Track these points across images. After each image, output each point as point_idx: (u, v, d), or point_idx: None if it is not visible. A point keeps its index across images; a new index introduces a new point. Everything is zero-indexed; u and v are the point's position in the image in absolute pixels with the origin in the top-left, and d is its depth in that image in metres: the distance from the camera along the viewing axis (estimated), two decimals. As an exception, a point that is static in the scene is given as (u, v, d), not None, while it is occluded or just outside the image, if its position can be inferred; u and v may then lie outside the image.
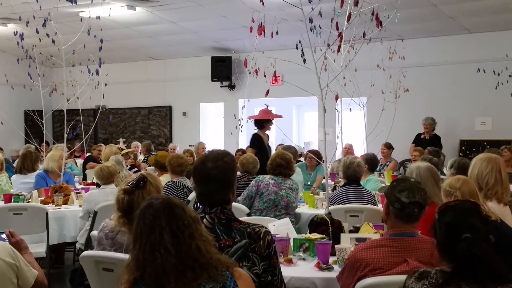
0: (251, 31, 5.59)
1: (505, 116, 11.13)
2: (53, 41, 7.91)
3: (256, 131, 9.12)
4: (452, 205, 2.59)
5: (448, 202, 2.71)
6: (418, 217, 3.25)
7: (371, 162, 7.89)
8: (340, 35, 5.07)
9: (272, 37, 5.70)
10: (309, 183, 8.88)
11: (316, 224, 4.38)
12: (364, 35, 5.66)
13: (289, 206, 6.17)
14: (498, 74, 10.14)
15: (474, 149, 11.13)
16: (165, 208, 2.38)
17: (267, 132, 9.25)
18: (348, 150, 10.68)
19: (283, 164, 6.28)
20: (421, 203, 3.22)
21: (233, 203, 5.56)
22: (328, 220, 4.34)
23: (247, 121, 10.97)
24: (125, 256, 3.43)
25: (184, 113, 15.37)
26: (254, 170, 7.23)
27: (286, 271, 3.48)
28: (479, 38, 11.50)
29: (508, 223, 3.99)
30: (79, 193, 6.97)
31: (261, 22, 5.48)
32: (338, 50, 5.34)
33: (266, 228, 2.92)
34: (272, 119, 9.21)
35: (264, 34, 5.47)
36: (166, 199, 2.43)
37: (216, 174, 2.94)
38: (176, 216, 2.36)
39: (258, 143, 8.88)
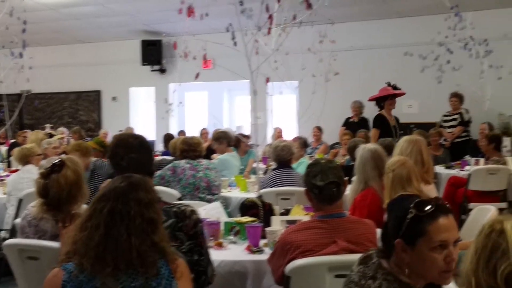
0: (180, 12, 5.51)
1: (431, 99, 11.40)
2: (-28, 22, 7.60)
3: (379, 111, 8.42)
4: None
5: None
6: (340, 195, 3.29)
7: (302, 146, 7.97)
8: (270, 17, 5.06)
9: (201, 19, 5.63)
10: (241, 167, 8.86)
11: (247, 207, 4.37)
12: (294, 17, 5.67)
13: (211, 185, 6.07)
14: (425, 58, 10.35)
15: (401, 132, 11.36)
16: (126, 188, 2.30)
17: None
18: (279, 133, 10.73)
19: (185, 148, 6.18)
20: (337, 181, 3.25)
21: (164, 188, 5.52)
22: (259, 203, 4.34)
23: (177, 105, 10.87)
24: (50, 243, 3.35)
25: (113, 98, 15.07)
26: None
27: (217, 255, 3.46)
28: (407, 23, 11.71)
29: None
30: (2, 180, 6.76)
31: (191, 4, 5.40)
32: (269, 33, 5.33)
33: (191, 207, 2.89)
34: (390, 96, 8.31)
35: (194, 16, 5.40)
36: (137, 183, 2.34)
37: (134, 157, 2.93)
38: (127, 201, 2.26)
39: (380, 123, 8.19)
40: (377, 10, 11.44)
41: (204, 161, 6.27)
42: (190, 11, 5.30)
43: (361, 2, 11.00)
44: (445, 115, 10.65)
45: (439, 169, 8.78)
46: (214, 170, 6.26)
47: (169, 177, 6.02)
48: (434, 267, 2.17)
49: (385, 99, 8.22)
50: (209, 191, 6.04)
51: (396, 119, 8.22)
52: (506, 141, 10.26)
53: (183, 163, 6.09)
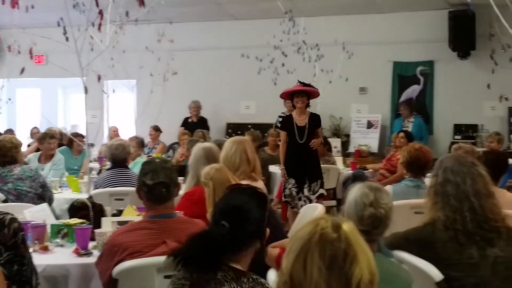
0: (3, 3, 5.19)
1: (267, 100, 11.70)
2: None
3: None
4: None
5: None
6: (170, 196, 3.25)
7: (139, 145, 7.87)
8: (100, 12, 4.92)
9: (27, 11, 5.36)
10: (75, 167, 8.55)
11: (77, 208, 4.22)
12: (127, 14, 5.56)
13: (22, 197, 5.31)
14: (261, 60, 10.63)
15: (239, 132, 11.57)
16: None
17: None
18: (115, 132, 10.50)
19: None
20: (167, 182, 3.20)
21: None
22: (89, 204, 4.20)
23: (6, 102, 10.28)
24: None
25: None
26: None
27: (41, 259, 3.34)
28: (243, 25, 11.95)
29: None
30: None
31: (16, -6, 5.12)
32: (99, 29, 5.18)
33: (12, 215, 2.70)
34: (295, 94, 7.35)
35: (18, 7, 5.12)
36: None
37: None
38: None
39: (284, 125, 7.49)
40: (214, 12, 11.58)
41: (17, 170, 5.37)
42: (14, 2, 5.01)
43: (198, 4, 11.07)
44: (280, 116, 10.96)
45: (275, 168, 9.05)
46: (30, 180, 5.41)
47: None
48: None
49: (287, 97, 7.68)
50: (20, 202, 5.18)
51: (312, 119, 7.41)
52: (336, 142, 10.84)
53: None
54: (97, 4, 4.79)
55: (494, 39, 6.50)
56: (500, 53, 6.34)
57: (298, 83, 7.52)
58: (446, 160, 3.23)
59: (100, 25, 5.15)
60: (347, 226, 1.82)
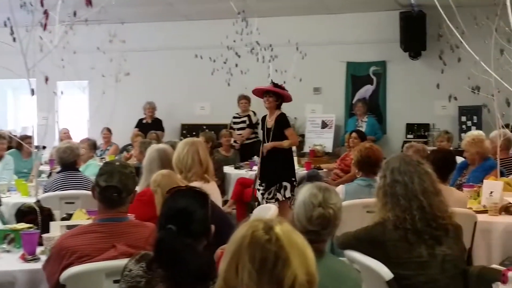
0: None
1: (221, 101, 11.67)
2: None
3: None
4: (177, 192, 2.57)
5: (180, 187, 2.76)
6: (122, 202, 3.17)
7: (91, 147, 7.78)
8: (46, 12, 4.81)
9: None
10: (25, 170, 8.37)
11: (24, 213, 4.12)
12: (75, 14, 5.46)
13: None
14: (214, 61, 10.57)
15: (194, 133, 11.50)
16: None
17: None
18: (65, 134, 10.31)
19: None
20: (119, 187, 3.12)
21: None
22: (36, 208, 4.11)
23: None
24: None
25: None
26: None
27: None
28: (197, 25, 11.88)
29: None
30: None
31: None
32: (45, 28, 5.07)
33: None
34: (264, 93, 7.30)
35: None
36: None
37: None
38: None
39: (262, 125, 7.60)
40: (166, 12, 11.49)
41: None
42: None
43: (149, 4, 10.97)
44: (235, 117, 10.97)
45: (229, 169, 9.03)
46: None
47: None
48: None
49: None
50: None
51: (278, 119, 7.27)
52: (290, 142, 10.82)
53: None
54: (41, 4, 4.68)
55: (442, 39, 6.59)
56: (449, 54, 6.43)
57: (271, 84, 7.53)
58: (392, 161, 3.26)
59: (45, 25, 5.04)
60: (280, 228, 1.76)
